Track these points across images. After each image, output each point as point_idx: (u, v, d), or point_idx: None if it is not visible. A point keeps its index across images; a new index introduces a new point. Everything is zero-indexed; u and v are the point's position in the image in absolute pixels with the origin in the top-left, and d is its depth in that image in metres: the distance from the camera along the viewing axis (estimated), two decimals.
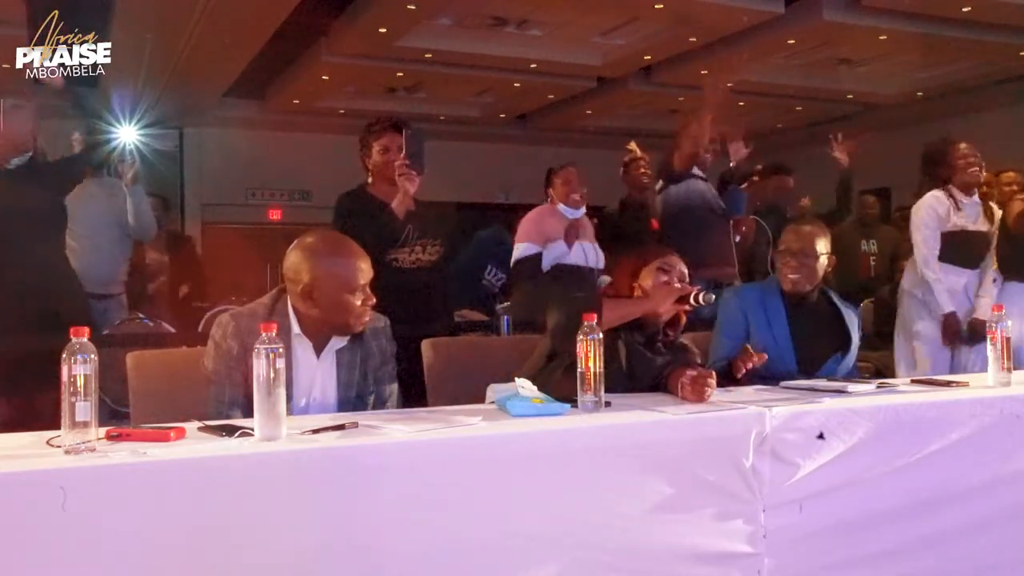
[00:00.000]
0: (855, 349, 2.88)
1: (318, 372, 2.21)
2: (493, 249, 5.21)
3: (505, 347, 3.20)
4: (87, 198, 4.12)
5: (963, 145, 4.12)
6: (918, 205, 4.13)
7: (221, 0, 6.54)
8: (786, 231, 2.96)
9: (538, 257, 4.08)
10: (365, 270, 2.19)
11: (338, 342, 2.23)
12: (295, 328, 2.18)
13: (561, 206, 4.21)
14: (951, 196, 4.07)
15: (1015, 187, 4.57)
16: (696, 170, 4.31)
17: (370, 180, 3.32)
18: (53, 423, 1.64)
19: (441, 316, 3.33)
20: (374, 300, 2.20)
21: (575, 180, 4.25)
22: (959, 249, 4.08)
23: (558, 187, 4.25)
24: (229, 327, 2.13)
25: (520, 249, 4.17)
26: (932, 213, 4.07)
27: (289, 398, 2.07)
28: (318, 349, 2.21)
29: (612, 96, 9.86)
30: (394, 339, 2.38)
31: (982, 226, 4.11)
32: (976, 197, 4.12)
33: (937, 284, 4.02)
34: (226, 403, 2.11)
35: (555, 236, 4.11)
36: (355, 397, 2.25)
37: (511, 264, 4.25)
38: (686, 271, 2.59)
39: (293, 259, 2.18)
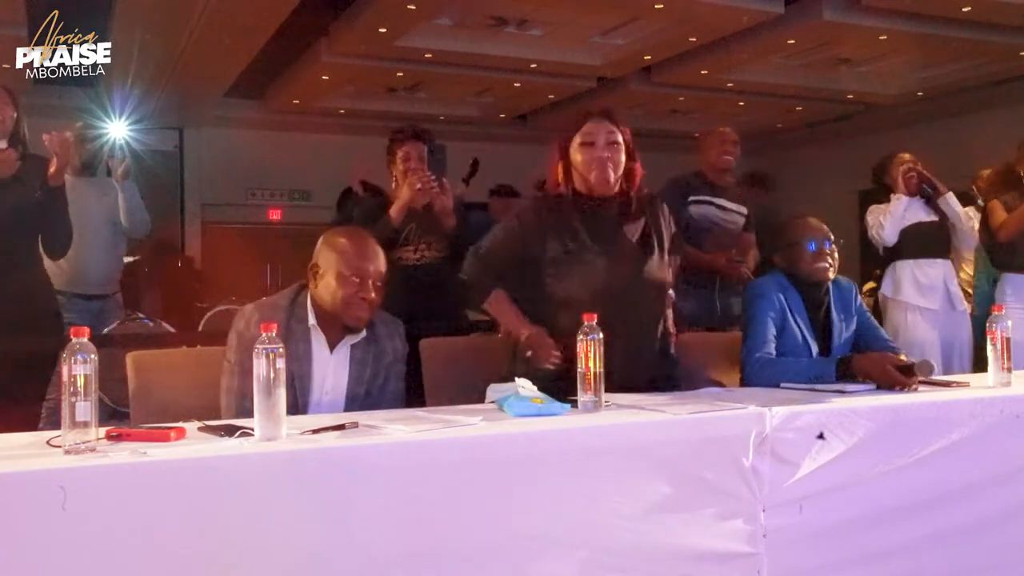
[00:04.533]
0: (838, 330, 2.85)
1: (330, 366, 2.25)
2: None
3: (505, 347, 3.19)
4: (78, 197, 4.00)
5: (906, 156, 4.22)
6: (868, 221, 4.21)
7: (221, 0, 6.53)
8: (801, 225, 2.87)
9: None
10: (365, 259, 2.23)
11: (352, 338, 2.27)
12: (311, 319, 2.23)
13: None
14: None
15: None
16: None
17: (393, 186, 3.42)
18: None
19: (452, 314, 3.40)
20: (372, 296, 2.22)
21: None
22: (924, 241, 4.11)
23: None
24: (253, 317, 2.18)
25: None
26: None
27: (306, 389, 2.19)
28: (332, 344, 2.26)
29: (612, 96, 9.83)
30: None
31: (934, 216, 4.16)
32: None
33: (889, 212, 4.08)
34: (249, 393, 2.13)
35: None
36: (364, 394, 2.28)
37: None
38: None
39: (317, 246, 2.29)
